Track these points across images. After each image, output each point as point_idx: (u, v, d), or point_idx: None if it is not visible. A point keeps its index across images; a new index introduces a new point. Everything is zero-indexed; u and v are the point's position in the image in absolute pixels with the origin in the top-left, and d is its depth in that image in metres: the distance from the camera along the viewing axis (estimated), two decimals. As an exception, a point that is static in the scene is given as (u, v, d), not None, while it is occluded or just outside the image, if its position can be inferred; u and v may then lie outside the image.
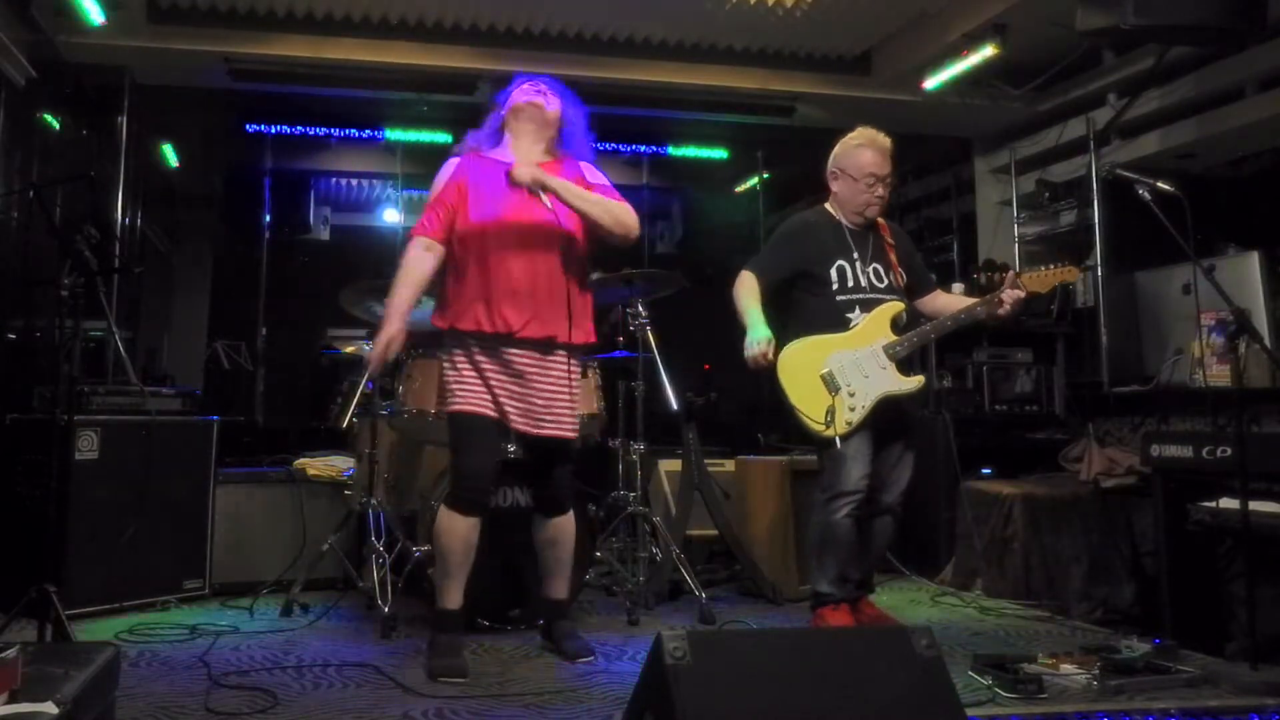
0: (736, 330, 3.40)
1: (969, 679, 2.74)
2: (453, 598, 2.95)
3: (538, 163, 2.99)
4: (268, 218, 6.91)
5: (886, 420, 3.30)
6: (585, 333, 3.04)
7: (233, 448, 4.53)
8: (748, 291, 3.37)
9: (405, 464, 4.03)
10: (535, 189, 2.88)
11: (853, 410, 3.25)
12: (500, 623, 3.37)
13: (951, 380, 4.82)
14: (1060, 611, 3.85)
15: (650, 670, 1.84)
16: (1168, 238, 3.03)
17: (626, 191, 7.46)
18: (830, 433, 3.21)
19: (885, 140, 3.45)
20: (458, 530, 2.89)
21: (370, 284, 3.76)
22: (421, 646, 3.04)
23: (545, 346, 2.96)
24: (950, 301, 3.53)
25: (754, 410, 6.02)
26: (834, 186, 3.49)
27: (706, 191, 7.51)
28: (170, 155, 6.50)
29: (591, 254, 3.13)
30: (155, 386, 4.34)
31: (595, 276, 3.86)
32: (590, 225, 2.99)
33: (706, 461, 4.26)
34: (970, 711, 2.06)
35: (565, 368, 3.00)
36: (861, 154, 3.43)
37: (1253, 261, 4.27)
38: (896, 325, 3.36)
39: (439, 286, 3.02)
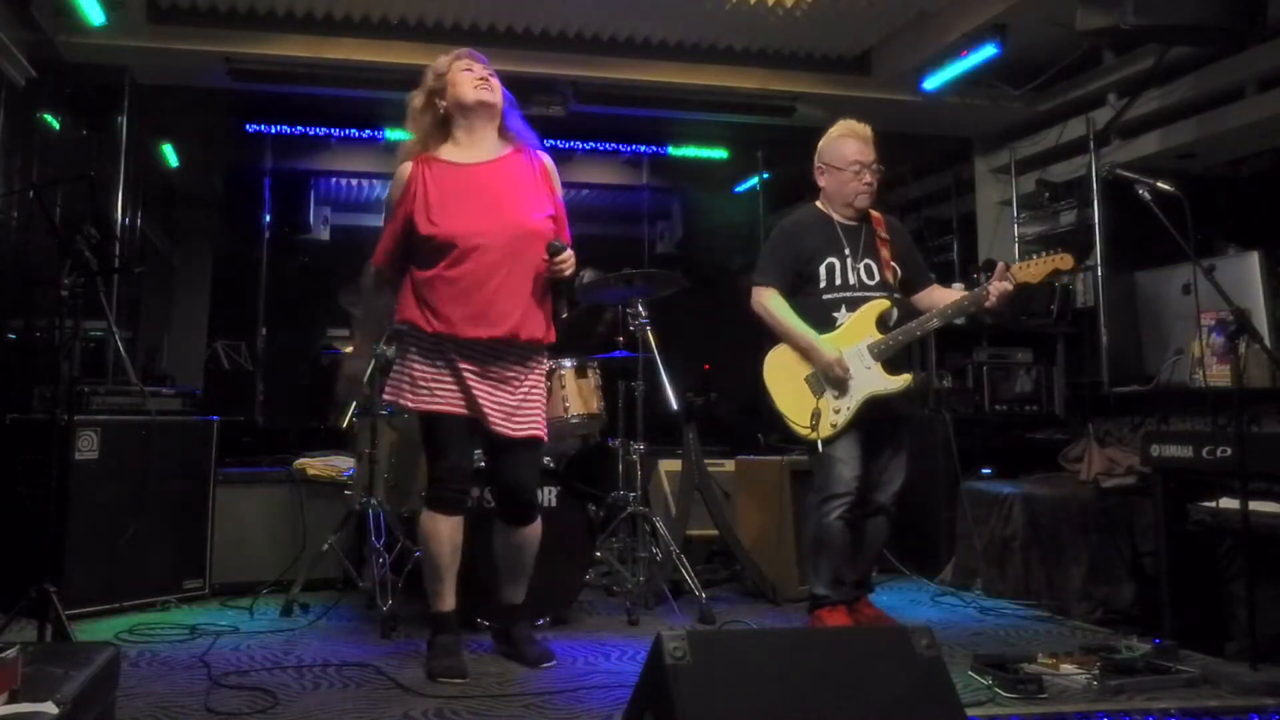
0: (738, 335, 3.40)
1: (969, 679, 2.74)
2: (446, 600, 2.93)
3: (496, 156, 2.97)
4: (268, 218, 6.92)
5: (876, 420, 3.29)
6: (549, 331, 3.01)
7: (233, 448, 4.53)
8: (782, 307, 3.34)
9: (405, 464, 4.03)
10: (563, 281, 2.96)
11: (838, 413, 3.24)
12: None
13: (951, 380, 4.82)
14: (1060, 611, 3.85)
15: (650, 670, 1.84)
16: (1168, 238, 3.03)
17: (627, 191, 7.44)
18: (815, 436, 3.20)
19: (865, 129, 3.44)
20: (442, 532, 2.87)
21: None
22: (422, 647, 3.04)
23: (517, 347, 2.93)
24: (945, 296, 3.49)
25: (754, 410, 6.01)
26: (822, 181, 3.48)
27: (706, 191, 7.50)
28: (170, 155, 6.50)
29: None
30: (155, 386, 4.35)
31: (587, 277, 3.87)
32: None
33: (706, 461, 4.26)
34: (970, 711, 2.06)
35: (537, 367, 3.00)
36: (844, 144, 3.42)
37: (1253, 261, 4.27)
38: (883, 323, 3.32)
39: (401, 288, 2.96)
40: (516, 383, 2.93)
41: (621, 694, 2.57)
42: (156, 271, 7.01)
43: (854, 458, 3.25)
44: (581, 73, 5.18)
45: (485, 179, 2.93)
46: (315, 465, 4.30)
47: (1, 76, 4.24)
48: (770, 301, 3.37)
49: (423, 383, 2.87)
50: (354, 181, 7.41)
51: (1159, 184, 3.08)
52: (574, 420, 3.69)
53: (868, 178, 3.39)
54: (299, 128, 6.02)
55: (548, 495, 3.51)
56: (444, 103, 2.96)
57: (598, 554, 3.81)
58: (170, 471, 3.80)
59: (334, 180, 7.35)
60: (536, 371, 3.00)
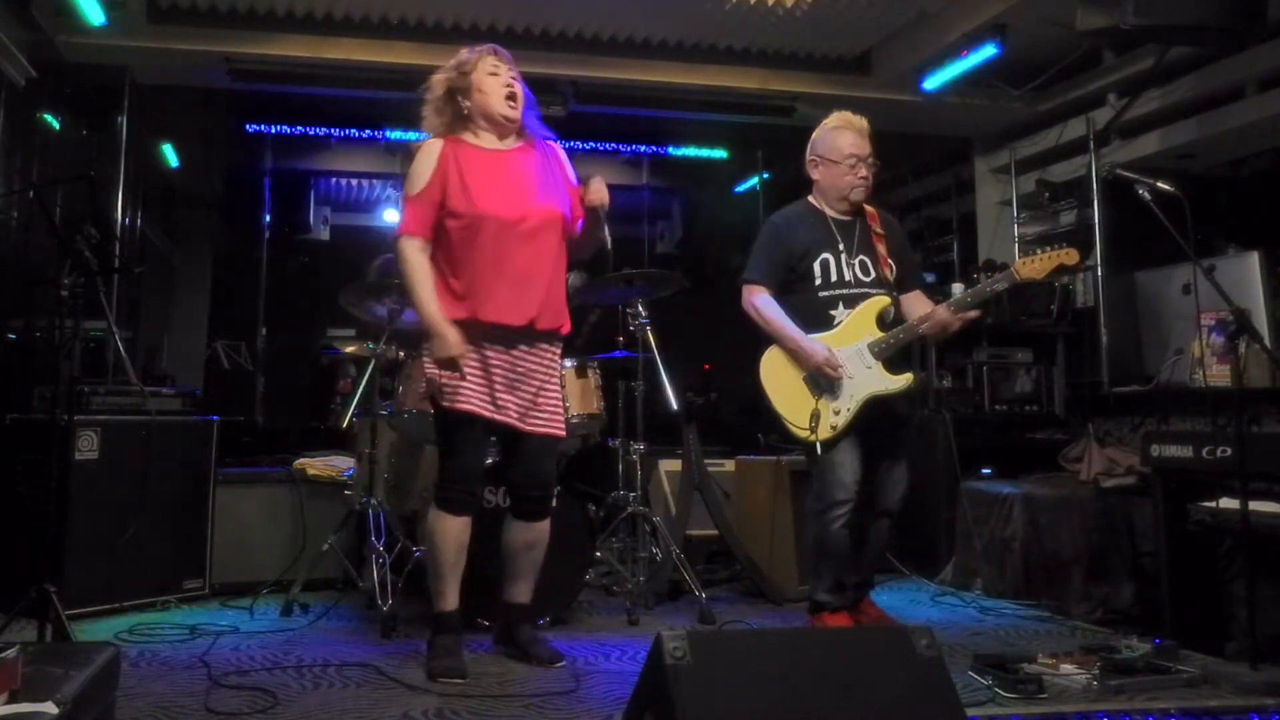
0: (738, 335, 3.38)
1: (969, 679, 2.74)
2: (449, 600, 2.93)
3: (515, 146, 2.98)
4: (268, 218, 6.92)
5: (877, 422, 3.23)
6: (566, 322, 3.03)
7: (233, 448, 4.53)
8: (770, 306, 3.28)
9: (405, 464, 4.02)
10: (601, 210, 2.93)
11: (838, 414, 3.18)
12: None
13: (951, 380, 4.82)
14: (1060, 611, 3.85)
15: (650, 670, 1.84)
16: (1168, 238, 3.03)
17: (626, 191, 7.45)
18: (815, 438, 3.14)
19: (861, 121, 3.37)
20: (450, 531, 2.87)
21: (370, 284, 3.77)
22: (422, 647, 3.04)
23: (545, 338, 2.95)
24: (917, 307, 3.36)
25: (754, 410, 6.01)
26: (815, 175, 3.40)
27: (706, 191, 7.50)
28: (170, 155, 6.50)
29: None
30: (155, 386, 4.35)
31: (572, 280, 3.87)
32: (582, 239, 3.02)
33: (706, 461, 4.26)
34: (970, 711, 2.06)
35: (554, 359, 3.00)
36: (839, 136, 3.34)
37: (1253, 261, 4.27)
38: (883, 321, 3.26)
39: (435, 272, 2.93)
40: (535, 374, 2.94)
41: (621, 694, 2.57)
42: (156, 271, 7.00)
43: (854, 462, 3.19)
44: (581, 73, 5.18)
45: (508, 165, 2.94)
46: (315, 465, 4.30)
47: (1, 76, 4.24)
48: (759, 300, 3.30)
49: (447, 380, 2.84)
50: (354, 181, 7.41)
51: (1159, 184, 3.08)
52: (574, 420, 3.68)
53: (863, 171, 3.32)
54: (299, 128, 6.03)
55: (548, 495, 3.51)
56: (467, 102, 2.94)
57: (598, 554, 3.81)
58: (170, 471, 3.80)
59: (334, 180, 7.35)
60: (553, 364, 3.00)
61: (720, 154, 6.63)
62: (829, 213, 3.37)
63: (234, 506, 4.11)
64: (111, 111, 5.05)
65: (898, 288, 3.39)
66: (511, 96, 2.92)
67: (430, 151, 2.91)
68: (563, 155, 3.09)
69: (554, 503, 3.08)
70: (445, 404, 2.86)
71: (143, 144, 5.55)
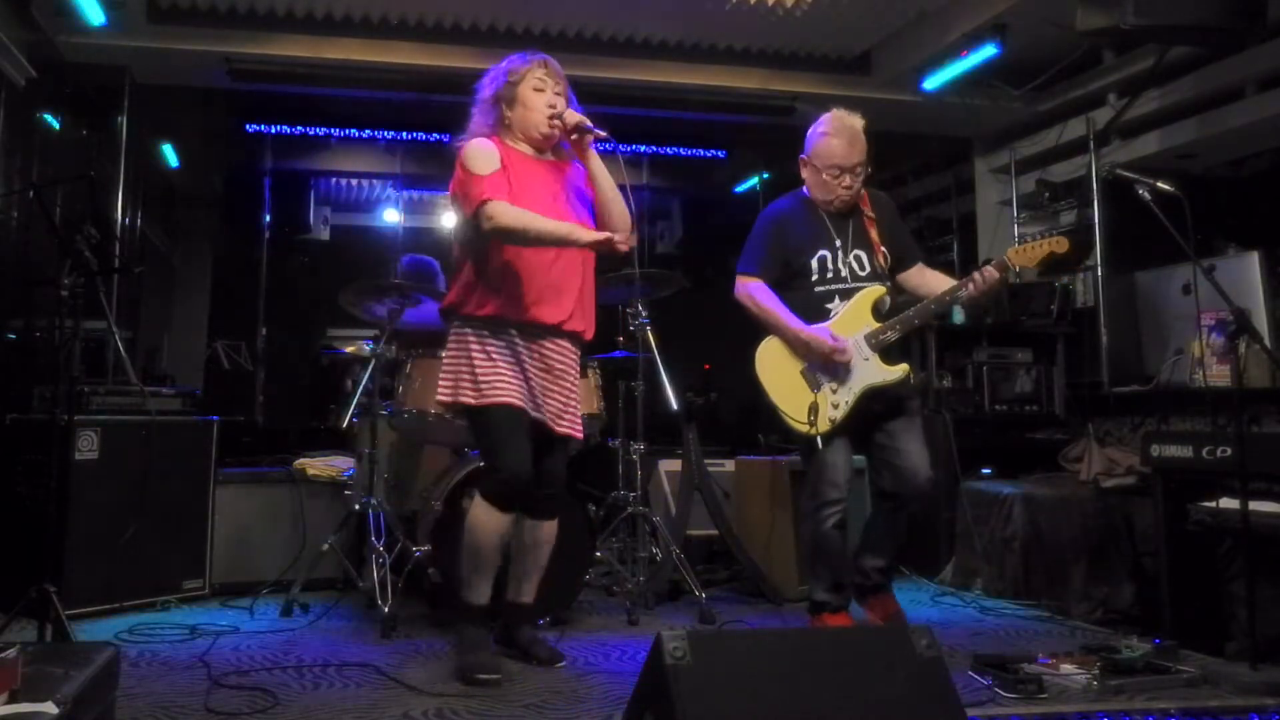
0: (738, 335, 3.37)
1: (969, 679, 2.74)
2: (483, 592, 2.91)
3: (549, 160, 3.00)
4: (268, 218, 6.92)
5: (875, 410, 3.22)
6: (592, 332, 3.05)
7: (233, 448, 4.53)
8: (768, 298, 3.25)
9: (405, 464, 4.03)
10: (580, 133, 2.88)
11: (836, 407, 3.18)
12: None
13: (951, 380, 4.82)
14: (1060, 611, 3.85)
15: (650, 670, 1.84)
16: (1168, 238, 3.03)
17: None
18: (814, 431, 3.13)
19: (854, 125, 3.25)
20: (496, 526, 2.84)
21: (370, 284, 3.77)
22: (421, 647, 3.05)
23: (573, 339, 2.98)
24: (931, 279, 3.36)
25: (754, 410, 6.02)
26: (804, 173, 3.37)
27: (706, 191, 7.51)
28: (170, 155, 6.50)
29: None
30: (155, 386, 4.35)
31: None
32: (600, 214, 2.99)
33: (706, 461, 4.26)
34: (970, 711, 2.06)
35: (577, 364, 3.03)
36: (826, 144, 3.25)
37: (1253, 261, 4.27)
38: (878, 311, 3.24)
39: (464, 272, 2.91)
40: (568, 374, 2.96)
41: (621, 694, 2.57)
42: (156, 271, 7.00)
43: (847, 462, 3.20)
44: (581, 73, 5.16)
45: (546, 174, 2.97)
46: (315, 465, 4.30)
47: (1, 76, 4.24)
48: (756, 290, 3.27)
49: (484, 376, 2.82)
50: (354, 181, 7.41)
51: (1159, 184, 3.07)
52: (574, 420, 3.68)
53: (847, 181, 3.24)
54: (299, 128, 6.02)
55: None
56: (510, 113, 2.94)
57: (598, 554, 3.80)
58: (170, 471, 3.80)
59: (334, 180, 7.35)
60: (577, 366, 3.03)
61: (720, 154, 6.62)
62: (822, 207, 3.34)
63: (234, 506, 4.11)
64: (111, 111, 5.05)
65: (899, 266, 3.36)
66: (554, 118, 2.91)
67: (488, 148, 2.87)
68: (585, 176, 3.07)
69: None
70: (481, 400, 2.81)
71: (143, 144, 5.55)
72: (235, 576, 4.01)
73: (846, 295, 3.25)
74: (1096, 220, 5.16)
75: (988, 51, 4.69)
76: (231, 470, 4.21)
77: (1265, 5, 3.74)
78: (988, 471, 4.62)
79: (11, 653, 1.71)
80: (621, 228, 2.92)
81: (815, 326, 3.20)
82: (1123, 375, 4.90)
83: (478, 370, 2.83)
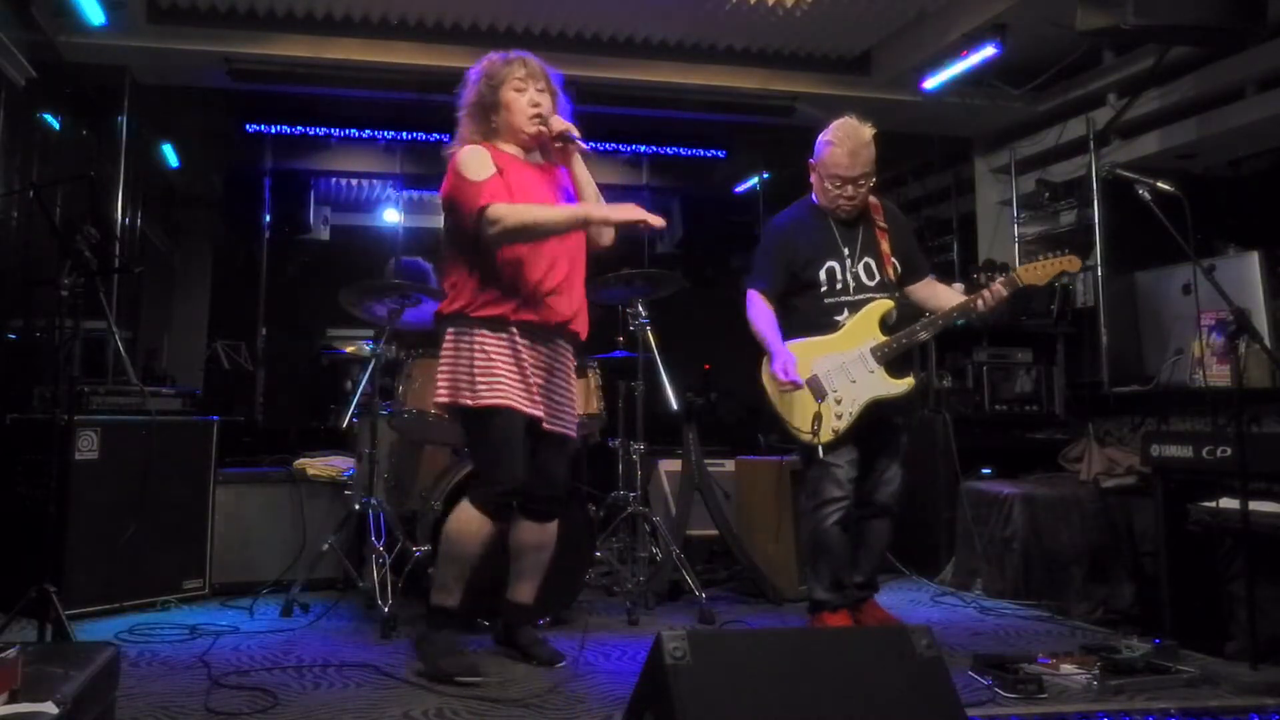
0: (738, 335, 3.38)
1: (969, 679, 2.74)
2: (456, 596, 2.91)
3: (538, 163, 3.00)
4: (268, 218, 6.92)
5: (873, 421, 3.24)
6: (586, 332, 3.05)
7: (233, 448, 4.53)
8: (760, 314, 3.29)
9: (405, 464, 4.03)
10: (564, 141, 2.86)
11: (840, 417, 3.20)
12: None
13: (951, 380, 4.82)
14: (1060, 611, 3.85)
15: (650, 670, 1.84)
16: (1168, 238, 3.03)
17: (627, 192, 7.44)
18: (817, 441, 3.16)
19: (862, 135, 3.25)
20: (481, 533, 2.82)
21: (370, 284, 3.77)
22: (422, 647, 3.03)
23: (572, 339, 2.99)
24: (941, 293, 3.40)
25: (754, 410, 6.03)
26: (811, 179, 3.39)
27: (706, 191, 7.51)
28: (170, 155, 6.50)
29: None
30: (155, 386, 4.35)
31: None
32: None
33: (706, 461, 4.26)
34: (970, 711, 2.06)
35: (573, 365, 3.04)
36: (832, 154, 3.26)
37: (1253, 261, 4.27)
38: (885, 324, 3.28)
39: (461, 272, 2.88)
40: (564, 377, 2.97)
41: (621, 694, 2.57)
42: (156, 271, 7.01)
43: (849, 462, 3.21)
44: (581, 73, 5.17)
45: (538, 175, 2.96)
46: (315, 465, 4.30)
47: (1, 76, 4.24)
48: (751, 305, 3.33)
49: (481, 377, 2.79)
50: (354, 181, 7.42)
51: (1159, 184, 3.08)
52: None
53: (849, 192, 3.26)
54: (299, 128, 6.03)
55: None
56: (496, 120, 2.91)
57: (598, 554, 3.80)
58: (170, 471, 3.80)
59: (334, 180, 7.36)
60: (573, 369, 3.04)
61: (720, 154, 6.62)
62: (831, 215, 3.36)
63: (234, 506, 4.11)
64: (111, 111, 5.05)
65: (908, 279, 3.39)
66: (537, 117, 2.89)
67: (481, 155, 2.84)
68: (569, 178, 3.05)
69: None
70: (480, 401, 2.78)
71: (143, 144, 5.55)
72: (235, 576, 4.01)
73: (855, 307, 3.28)
74: (1096, 220, 5.16)
75: (987, 51, 4.69)
76: (231, 470, 4.21)
77: (1265, 5, 3.73)
78: (988, 471, 4.62)
79: (11, 653, 1.70)
80: (609, 231, 2.92)
81: (785, 351, 3.20)
82: (1123, 375, 4.90)
83: (476, 371, 2.81)
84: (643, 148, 6.66)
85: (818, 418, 3.17)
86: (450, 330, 2.90)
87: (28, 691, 1.68)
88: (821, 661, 1.86)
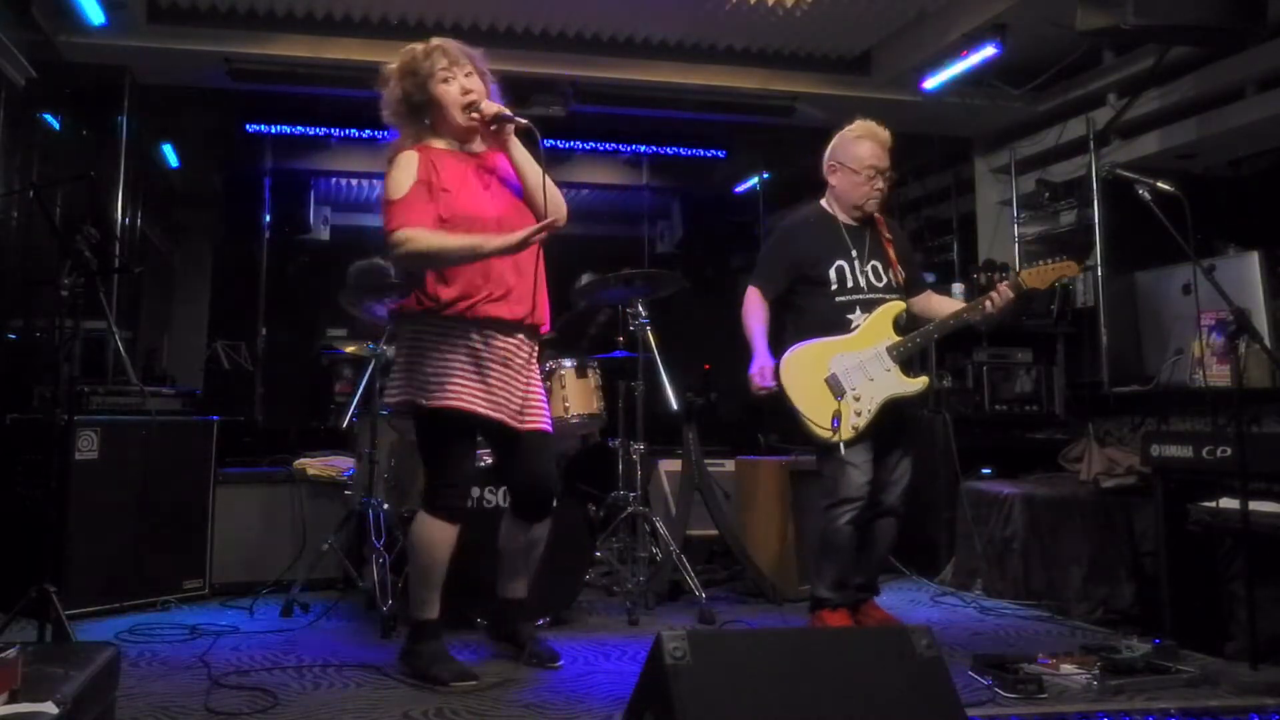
0: (738, 335, 3.39)
1: (969, 679, 2.74)
2: (436, 607, 2.85)
3: (479, 151, 2.92)
4: (268, 218, 6.92)
5: (886, 422, 3.29)
6: (548, 325, 2.99)
7: (233, 448, 4.53)
8: (752, 313, 3.37)
9: (405, 464, 4.02)
10: (499, 123, 2.78)
11: (859, 415, 3.24)
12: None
13: (951, 380, 4.82)
14: (1060, 611, 3.85)
15: (650, 670, 1.84)
16: (1168, 238, 3.03)
17: (627, 192, 7.43)
18: (836, 438, 3.19)
19: (885, 133, 3.42)
20: (445, 540, 2.78)
21: (370, 284, 3.76)
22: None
23: (531, 333, 2.91)
24: (938, 305, 3.49)
25: (754, 410, 6.03)
26: (832, 180, 3.45)
27: (706, 191, 7.51)
28: (170, 155, 6.50)
29: None
30: (155, 386, 4.35)
31: (585, 279, 3.86)
32: (529, 202, 2.90)
33: (706, 461, 4.27)
34: (970, 711, 2.06)
35: (535, 358, 2.96)
36: (861, 146, 3.39)
37: (1253, 261, 4.26)
38: (898, 325, 3.34)
39: (414, 274, 2.83)
40: (524, 371, 2.90)
41: (621, 694, 2.57)
42: (156, 271, 7.01)
43: (866, 463, 3.25)
44: (581, 73, 5.18)
45: (479, 168, 2.90)
46: (315, 465, 4.30)
47: (1, 76, 4.24)
48: (748, 304, 3.40)
49: (434, 377, 2.75)
50: (354, 181, 7.41)
51: (1159, 184, 3.08)
52: (574, 420, 3.68)
53: (880, 184, 3.38)
54: (299, 128, 6.01)
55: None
56: (429, 117, 2.84)
57: (598, 554, 3.80)
58: (170, 471, 3.80)
59: (334, 180, 7.35)
60: (535, 362, 2.97)
61: (720, 154, 6.62)
62: (841, 218, 3.43)
63: (234, 506, 4.11)
64: (111, 111, 5.04)
65: (907, 291, 3.47)
66: (470, 105, 2.81)
67: (408, 162, 2.78)
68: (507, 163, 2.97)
69: (554, 503, 3.05)
70: (433, 402, 2.74)
71: (143, 144, 5.55)
72: (235, 576, 4.01)
73: (868, 307, 3.33)
74: (1096, 220, 5.15)
75: (987, 51, 4.69)
76: (231, 470, 4.21)
77: (1265, 5, 3.73)
78: (988, 471, 4.62)
79: (11, 653, 1.70)
80: (553, 212, 2.77)
81: (766, 355, 3.31)
82: (1123, 375, 4.90)
83: (429, 372, 2.76)
84: (643, 148, 6.66)
85: (837, 415, 3.21)
86: (407, 329, 2.87)
87: (28, 691, 1.68)
88: (821, 661, 1.86)
